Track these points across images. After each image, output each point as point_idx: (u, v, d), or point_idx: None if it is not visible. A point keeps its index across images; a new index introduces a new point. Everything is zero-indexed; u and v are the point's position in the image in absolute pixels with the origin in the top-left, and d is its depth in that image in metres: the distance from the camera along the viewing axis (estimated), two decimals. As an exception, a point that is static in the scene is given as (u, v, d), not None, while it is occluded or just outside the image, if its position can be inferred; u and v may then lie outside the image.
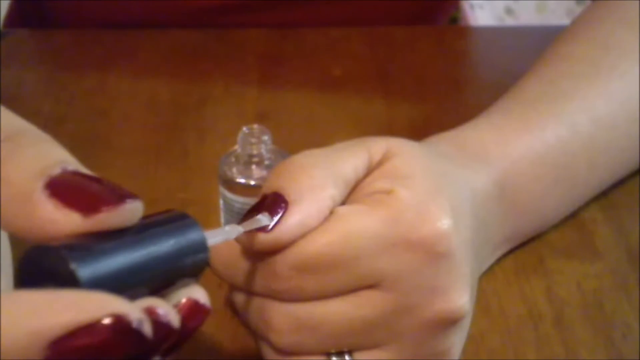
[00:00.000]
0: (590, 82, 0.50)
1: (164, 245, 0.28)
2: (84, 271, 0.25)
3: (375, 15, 0.74)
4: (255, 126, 0.44)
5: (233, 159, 0.45)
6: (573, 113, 0.48)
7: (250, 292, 0.38)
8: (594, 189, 0.51)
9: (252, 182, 0.44)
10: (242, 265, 0.37)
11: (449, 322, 0.37)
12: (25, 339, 0.23)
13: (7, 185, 0.26)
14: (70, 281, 0.25)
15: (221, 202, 0.46)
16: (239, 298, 0.39)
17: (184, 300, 0.29)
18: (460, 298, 0.37)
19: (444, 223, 0.37)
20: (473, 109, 0.50)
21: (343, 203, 0.38)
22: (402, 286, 0.36)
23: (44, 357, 0.24)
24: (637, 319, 0.45)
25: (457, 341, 0.39)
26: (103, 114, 0.61)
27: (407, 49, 0.69)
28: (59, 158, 0.27)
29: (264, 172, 0.44)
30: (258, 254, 0.36)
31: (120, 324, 0.24)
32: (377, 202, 0.37)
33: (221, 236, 0.33)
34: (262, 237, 0.35)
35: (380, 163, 0.39)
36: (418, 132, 0.48)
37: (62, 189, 0.26)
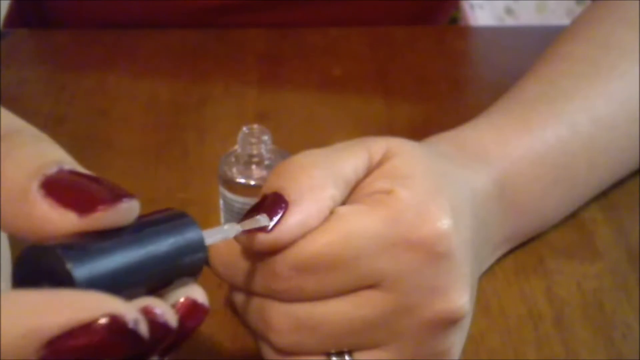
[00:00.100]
0: (591, 82, 0.50)
1: (162, 244, 0.28)
2: (80, 271, 0.25)
3: (375, 15, 0.74)
4: (255, 126, 0.44)
5: (233, 159, 0.45)
6: (573, 113, 0.48)
7: (250, 292, 0.38)
8: (594, 189, 0.51)
9: (252, 182, 0.44)
10: (242, 265, 0.37)
11: (449, 322, 0.37)
12: (21, 338, 0.23)
13: (3, 184, 0.26)
14: (66, 281, 0.25)
15: (221, 202, 0.46)
16: (239, 298, 0.39)
17: (182, 299, 0.29)
18: (460, 298, 0.37)
19: (444, 223, 0.36)
20: (473, 109, 0.50)
21: (343, 203, 0.38)
22: (402, 286, 0.36)
23: (40, 356, 0.24)
24: (637, 319, 0.45)
25: (457, 341, 0.39)
26: (103, 114, 0.61)
27: (407, 49, 0.68)
28: (55, 157, 0.27)
29: (264, 172, 0.44)
30: (258, 254, 0.36)
31: (116, 324, 0.24)
32: (377, 202, 0.37)
33: (219, 235, 0.32)
34: (262, 237, 0.35)
35: (380, 163, 0.39)
36: (418, 132, 0.48)
37: (57, 188, 0.26)
